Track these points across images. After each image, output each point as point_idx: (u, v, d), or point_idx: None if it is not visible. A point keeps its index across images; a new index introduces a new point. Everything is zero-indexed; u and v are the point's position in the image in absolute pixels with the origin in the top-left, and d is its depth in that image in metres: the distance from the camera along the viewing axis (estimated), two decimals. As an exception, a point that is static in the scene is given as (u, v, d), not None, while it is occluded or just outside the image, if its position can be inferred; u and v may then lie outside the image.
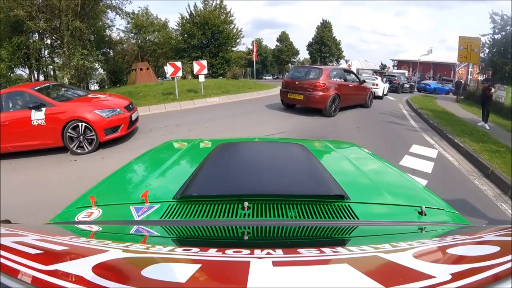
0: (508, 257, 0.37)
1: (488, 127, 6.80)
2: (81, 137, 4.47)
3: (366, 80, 8.80)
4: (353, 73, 8.65)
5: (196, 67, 9.58)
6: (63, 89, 5.40)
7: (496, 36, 14.97)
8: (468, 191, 3.20)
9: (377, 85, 10.54)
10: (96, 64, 14.19)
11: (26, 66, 14.19)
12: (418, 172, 3.50)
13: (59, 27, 11.18)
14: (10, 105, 4.56)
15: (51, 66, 13.78)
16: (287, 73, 8.96)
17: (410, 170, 3.51)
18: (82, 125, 4.45)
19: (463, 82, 15.02)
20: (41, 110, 4.41)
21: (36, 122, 4.38)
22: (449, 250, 0.46)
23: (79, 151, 4.47)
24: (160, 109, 8.10)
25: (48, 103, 4.49)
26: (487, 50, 15.89)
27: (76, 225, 0.74)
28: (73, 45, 10.55)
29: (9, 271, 0.33)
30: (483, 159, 4.09)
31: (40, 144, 4.49)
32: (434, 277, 0.33)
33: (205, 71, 9.71)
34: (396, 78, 17.12)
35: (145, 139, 5.07)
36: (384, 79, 15.57)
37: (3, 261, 0.35)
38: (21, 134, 4.38)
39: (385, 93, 12.62)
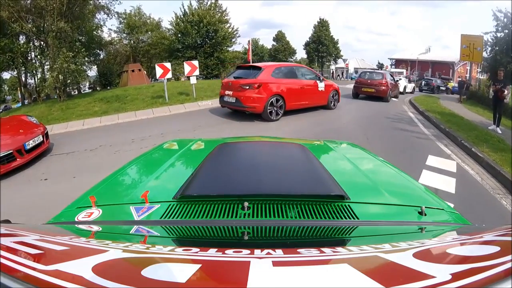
0: (508, 257, 0.36)
1: (500, 131, 6.39)
2: (333, 99, 7.84)
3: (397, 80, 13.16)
4: (392, 75, 12.35)
5: (187, 68, 8.95)
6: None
7: (499, 34, 14.56)
8: (497, 215, 2.92)
9: (398, 83, 13.44)
10: (85, 66, 13.60)
11: (15, 69, 13.55)
12: (441, 192, 3.10)
13: (43, 28, 10.56)
14: (290, 74, 6.82)
15: (40, 69, 13.16)
16: (358, 74, 12.73)
17: (433, 190, 3.01)
18: (336, 92, 7.90)
19: (466, 81, 14.62)
20: (322, 82, 7.45)
21: (320, 88, 7.33)
22: (449, 250, 0.45)
23: (332, 106, 7.79)
24: (148, 114, 7.56)
25: (322, 79, 7.56)
26: (489, 49, 15.48)
27: (76, 225, 0.73)
28: (57, 47, 9.91)
29: (9, 271, 0.33)
30: (506, 172, 3.62)
31: (315, 103, 7.39)
32: (434, 277, 0.33)
33: (197, 72, 9.14)
34: (433, 81, 20.24)
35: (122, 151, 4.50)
36: (423, 82, 20.19)
37: (3, 261, 0.35)
38: (308, 95, 7.03)
39: (407, 91, 15.72)
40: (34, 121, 4.88)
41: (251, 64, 7.65)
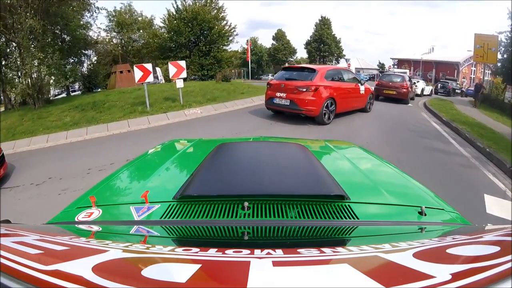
0: (508, 257, 0.36)
1: None
2: (369, 102, 7.82)
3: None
4: (411, 79, 12.89)
5: (172, 70, 7.75)
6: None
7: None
8: None
9: (416, 85, 13.92)
10: (67, 67, 12.44)
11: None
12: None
13: (13, 26, 9.39)
14: (339, 77, 6.75)
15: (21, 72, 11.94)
16: (379, 76, 13.01)
17: None
18: (372, 95, 8.00)
19: (482, 85, 13.63)
20: (363, 85, 7.35)
21: (361, 91, 7.25)
22: (449, 250, 0.45)
23: (368, 109, 7.84)
24: (122, 127, 6.38)
25: (361, 83, 7.42)
26: (502, 49, 14.45)
27: (76, 225, 0.73)
28: (26, 48, 8.77)
29: (9, 271, 0.33)
30: None
31: (357, 106, 7.35)
32: (434, 277, 0.33)
33: (184, 74, 7.98)
34: (449, 84, 20.32)
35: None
36: (439, 85, 20.38)
37: (3, 261, 0.35)
38: (352, 98, 7.01)
39: (425, 93, 15.94)
40: None
41: (300, 65, 8.10)
